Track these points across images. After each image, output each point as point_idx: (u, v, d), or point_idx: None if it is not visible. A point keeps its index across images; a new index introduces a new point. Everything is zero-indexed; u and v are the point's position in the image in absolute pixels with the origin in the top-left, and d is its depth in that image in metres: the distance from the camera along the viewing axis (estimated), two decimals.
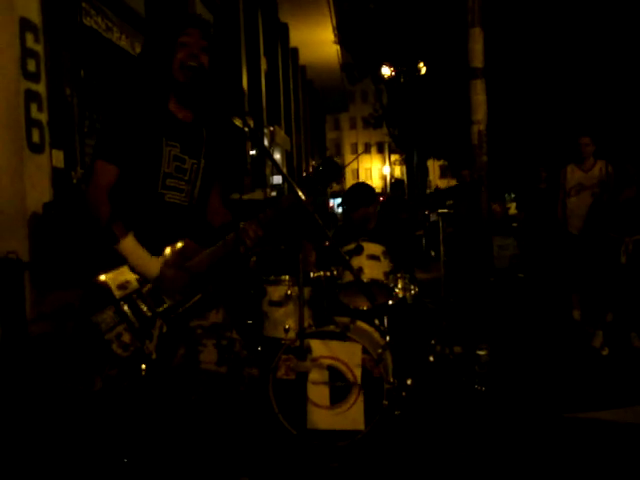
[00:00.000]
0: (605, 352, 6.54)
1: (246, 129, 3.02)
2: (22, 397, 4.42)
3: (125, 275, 2.82)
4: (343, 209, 6.24)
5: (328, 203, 35.40)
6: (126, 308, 2.81)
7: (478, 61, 8.38)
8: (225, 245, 2.88)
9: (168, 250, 2.87)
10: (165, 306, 2.86)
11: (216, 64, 2.96)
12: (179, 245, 2.89)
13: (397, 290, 4.94)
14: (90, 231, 2.86)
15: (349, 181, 61.93)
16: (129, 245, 2.81)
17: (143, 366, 2.81)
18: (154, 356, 2.82)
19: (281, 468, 3.97)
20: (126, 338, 2.80)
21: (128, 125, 2.87)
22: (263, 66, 18.21)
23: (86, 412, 3.74)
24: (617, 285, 6.75)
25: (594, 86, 14.59)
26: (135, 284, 2.83)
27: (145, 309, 2.83)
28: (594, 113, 14.13)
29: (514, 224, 12.86)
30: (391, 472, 3.94)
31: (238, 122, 8.69)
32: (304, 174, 2.86)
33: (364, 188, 5.77)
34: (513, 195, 13.86)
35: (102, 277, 2.81)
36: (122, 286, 2.81)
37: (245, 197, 6.12)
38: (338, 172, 2.88)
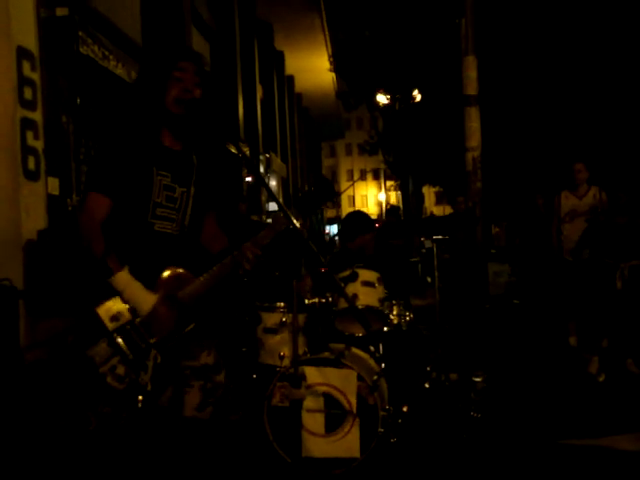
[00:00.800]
0: (601, 378, 6.52)
1: (240, 155, 3.04)
2: (17, 423, 4.38)
3: (117, 306, 2.80)
4: (340, 237, 6.26)
5: (324, 230, 35.48)
6: (119, 340, 2.79)
7: (472, 89, 8.47)
8: (223, 268, 2.89)
9: (163, 276, 2.87)
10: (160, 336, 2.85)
11: (210, 92, 2.99)
12: (173, 273, 2.88)
13: (392, 317, 4.94)
14: (84, 261, 2.86)
15: (345, 208, 62.08)
16: (123, 279, 2.80)
17: (140, 397, 2.79)
18: (149, 387, 2.80)
19: None
20: (120, 370, 2.77)
21: (119, 155, 2.88)
22: (259, 94, 18.30)
23: (81, 446, 3.72)
24: (613, 311, 6.74)
25: (588, 113, 14.69)
26: (128, 315, 2.81)
27: (139, 340, 2.81)
28: (588, 140, 14.22)
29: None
30: None
31: (233, 149, 8.73)
32: (299, 194, 2.88)
33: (361, 217, 5.80)
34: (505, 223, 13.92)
35: (94, 309, 2.80)
36: (115, 318, 2.79)
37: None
38: (331, 192, 2.90)
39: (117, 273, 2.79)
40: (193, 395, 2.97)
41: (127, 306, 2.82)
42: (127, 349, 2.78)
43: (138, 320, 2.82)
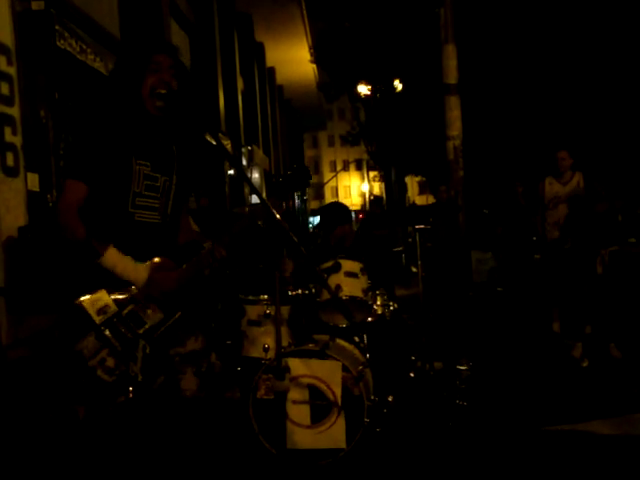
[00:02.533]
0: (585, 364, 6.57)
1: (217, 145, 3.04)
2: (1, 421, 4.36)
3: (104, 299, 2.79)
4: (320, 229, 6.26)
5: (307, 221, 35.46)
6: (107, 332, 2.77)
7: (452, 77, 8.48)
8: (201, 259, 2.90)
9: (148, 263, 2.86)
10: (147, 327, 2.84)
11: (188, 84, 2.97)
12: (156, 262, 2.88)
13: (376, 307, 4.94)
14: (67, 252, 2.84)
15: (328, 199, 62.09)
16: (113, 256, 2.80)
17: (130, 388, 2.78)
18: (140, 378, 2.79)
19: None
20: (110, 363, 2.77)
21: (97, 143, 2.86)
22: (240, 86, 18.22)
23: (71, 439, 3.71)
24: (595, 296, 6.79)
25: (568, 100, 14.74)
26: (114, 307, 2.80)
27: (127, 332, 2.81)
28: (569, 126, 14.27)
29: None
30: None
31: (211, 139, 8.70)
32: (273, 180, 2.86)
33: (339, 207, 5.81)
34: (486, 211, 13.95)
35: (80, 303, 2.79)
36: (102, 310, 2.78)
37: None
38: (307, 177, 2.90)
39: (105, 252, 2.77)
40: (189, 380, 2.97)
41: (113, 298, 2.80)
42: (115, 341, 2.78)
43: (126, 311, 2.81)
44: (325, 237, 5.68)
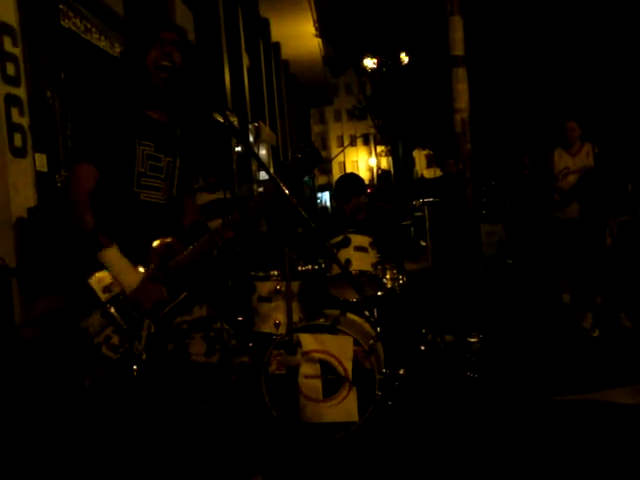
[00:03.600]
0: (595, 334, 6.58)
1: (226, 124, 3.03)
2: (14, 400, 4.40)
3: (106, 278, 2.83)
4: (335, 199, 6.26)
5: (316, 197, 35.42)
6: (113, 310, 2.81)
7: (459, 49, 8.41)
8: (209, 240, 2.91)
9: (154, 246, 2.88)
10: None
11: (193, 61, 2.98)
12: (163, 242, 2.89)
13: (386, 281, 4.95)
14: (74, 234, 2.87)
15: (336, 174, 61.84)
16: (112, 256, 2.83)
17: (135, 367, 2.81)
18: (144, 357, 2.82)
19: (283, 464, 3.96)
20: (115, 340, 2.80)
21: (102, 125, 2.88)
22: (245, 62, 18.14)
23: (78, 412, 3.75)
24: (604, 267, 6.77)
25: (578, 71, 14.62)
26: (120, 286, 2.84)
27: (132, 310, 2.83)
28: (577, 96, 14.16)
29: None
30: (387, 462, 3.95)
31: (219, 117, 8.68)
32: (285, 163, 2.84)
33: (353, 178, 5.80)
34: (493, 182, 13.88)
35: (87, 281, 2.81)
36: (107, 289, 2.82)
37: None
38: (318, 160, 2.89)
39: (106, 249, 2.80)
40: (197, 344, 3.00)
41: (112, 277, 2.84)
42: (120, 319, 2.81)
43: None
44: (340, 209, 5.69)
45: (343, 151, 11.95)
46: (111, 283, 2.82)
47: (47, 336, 4.99)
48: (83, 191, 2.86)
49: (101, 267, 2.82)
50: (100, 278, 2.81)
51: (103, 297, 2.81)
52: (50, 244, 5.48)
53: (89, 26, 7.29)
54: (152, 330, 2.84)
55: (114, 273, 2.82)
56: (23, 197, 5.82)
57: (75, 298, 2.85)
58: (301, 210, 2.78)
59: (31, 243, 5.61)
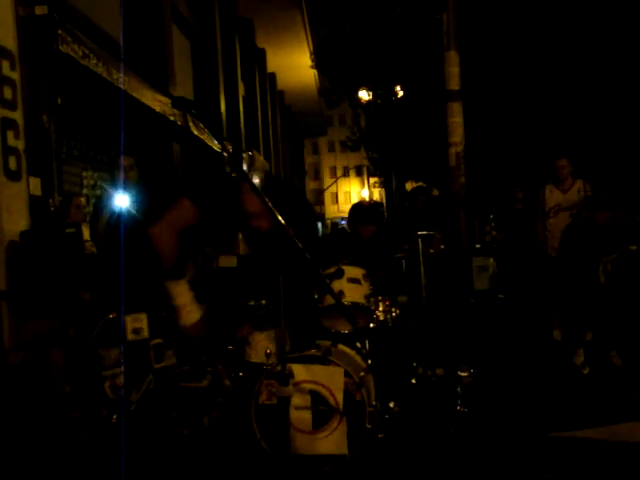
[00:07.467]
0: (586, 371, 6.57)
1: (225, 154, 3.07)
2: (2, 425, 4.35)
3: (141, 322, 2.86)
4: (350, 226, 6.36)
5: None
6: (131, 353, 2.83)
7: (454, 84, 8.49)
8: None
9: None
10: (163, 364, 2.88)
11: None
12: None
13: (378, 313, 4.94)
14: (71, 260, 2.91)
15: (328, 205, 62.05)
16: (183, 287, 2.84)
17: (114, 416, 2.81)
18: (132, 407, 2.82)
19: None
20: (119, 381, 2.81)
21: None
22: (241, 91, 18.23)
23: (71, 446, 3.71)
24: (596, 304, 6.78)
25: (569, 107, 14.75)
26: (146, 333, 2.86)
27: (145, 361, 2.85)
28: (569, 133, 14.28)
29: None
30: None
31: (216, 147, 8.68)
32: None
33: (362, 208, 5.97)
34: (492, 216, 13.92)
35: (124, 315, 2.83)
36: (135, 331, 2.84)
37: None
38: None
39: (180, 279, 2.84)
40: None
41: (146, 324, 2.85)
42: (133, 363, 2.82)
43: (153, 342, 2.85)
44: (354, 230, 5.80)
45: (336, 182, 11.97)
46: (140, 328, 2.84)
47: (36, 360, 4.95)
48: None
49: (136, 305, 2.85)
50: (134, 318, 2.83)
51: (130, 337, 2.83)
52: (42, 268, 5.45)
53: (87, 52, 7.31)
54: (151, 386, 2.85)
55: (176, 303, 2.85)
56: (16, 220, 5.80)
57: (103, 326, 2.88)
58: (297, 241, 2.78)
59: (22, 266, 5.58)
